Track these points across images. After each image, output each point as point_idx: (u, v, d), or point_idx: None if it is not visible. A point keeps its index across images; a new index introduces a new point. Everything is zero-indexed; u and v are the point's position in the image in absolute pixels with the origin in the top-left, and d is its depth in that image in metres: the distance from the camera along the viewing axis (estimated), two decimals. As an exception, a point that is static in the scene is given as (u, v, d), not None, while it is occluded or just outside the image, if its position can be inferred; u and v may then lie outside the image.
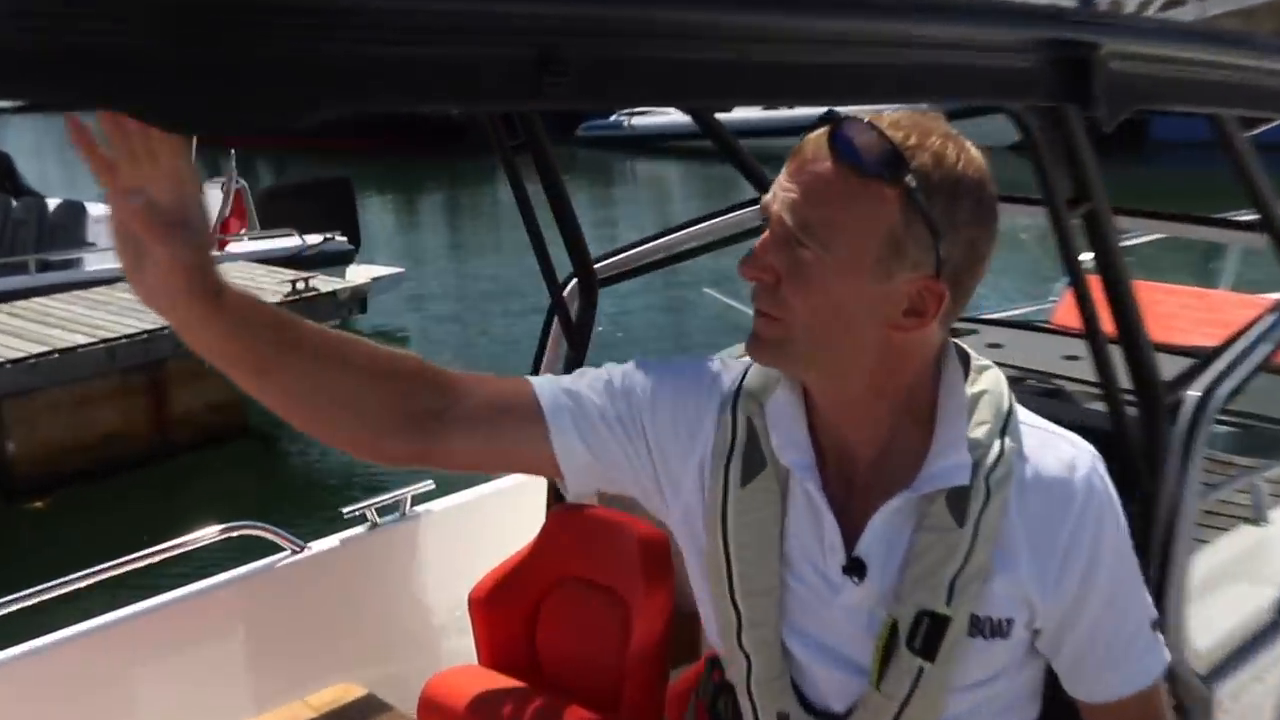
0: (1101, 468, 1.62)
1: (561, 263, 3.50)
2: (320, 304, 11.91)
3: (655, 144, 29.85)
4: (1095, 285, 2.42)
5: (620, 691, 3.07)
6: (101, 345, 10.16)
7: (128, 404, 10.46)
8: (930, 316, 1.53)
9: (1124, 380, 2.44)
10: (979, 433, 1.57)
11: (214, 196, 15.43)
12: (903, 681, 1.57)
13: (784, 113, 22.61)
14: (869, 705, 1.60)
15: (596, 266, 3.57)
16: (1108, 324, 2.44)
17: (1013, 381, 3.62)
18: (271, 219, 15.41)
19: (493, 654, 3.34)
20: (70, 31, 1.15)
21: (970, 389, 1.61)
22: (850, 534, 1.60)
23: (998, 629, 1.57)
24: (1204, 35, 2.69)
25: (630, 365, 1.74)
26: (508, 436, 1.66)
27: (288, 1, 1.25)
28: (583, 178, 26.56)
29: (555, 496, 3.62)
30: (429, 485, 3.72)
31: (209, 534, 3.32)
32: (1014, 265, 15.85)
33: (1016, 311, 6.10)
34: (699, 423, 1.69)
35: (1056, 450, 1.60)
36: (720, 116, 3.61)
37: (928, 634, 1.55)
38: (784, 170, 1.57)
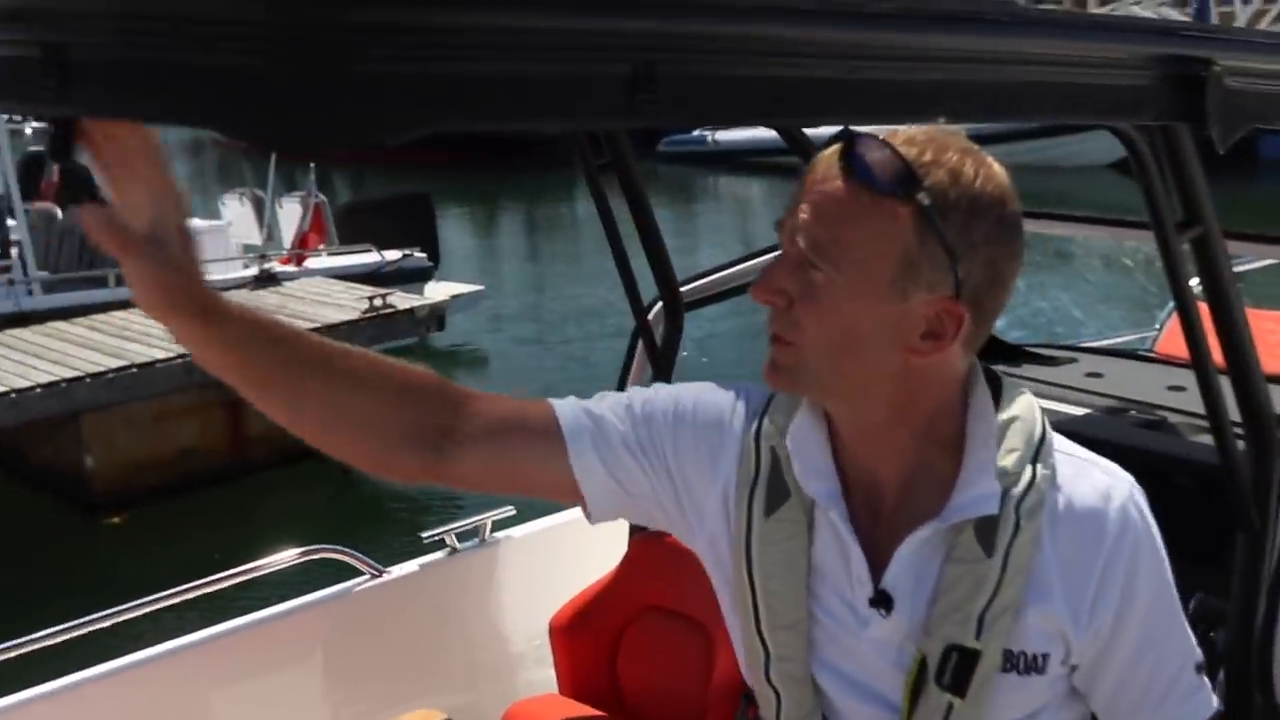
0: (1140, 497, 1.56)
1: (646, 284, 3.45)
2: (398, 321, 11.99)
3: (739, 159, 29.66)
4: (1203, 313, 2.34)
5: (703, 724, 3.01)
6: (179, 360, 10.25)
7: (205, 420, 10.57)
8: (949, 339, 1.48)
9: (1233, 413, 2.35)
10: (1009, 460, 1.51)
11: (293, 211, 15.62)
12: (935, 716, 1.52)
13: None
14: None
15: (682, 289, 3.52)
16: (1216, 353, 2.37)
17: (1114, 413, 3.55)
18: (351, 234, 15.55)
19: (573, 683, 3.30)
20: (174, 49, 1.15)
21: (1001, 415, 1.54)
22: (878, 565, 1.55)
23: (1032, 664, 1.51)
24: None
25: (652, 390, 1.71)
26: (520, 454, 1.64)
27: (380, 20, 1.23)
28: (664, 194, 26.50)
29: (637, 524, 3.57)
30: (510, 511, 3.68)
31: (288, 557, 3.30)
32: (1116, 291, 15.65)
33: (1118, 339, 5.97)
34: (721, 449, 1.65)
35: (1091, 479, 1.54)
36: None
37: (957, 669, 1.49)
38: (797, 189, 1.52)
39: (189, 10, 1.14)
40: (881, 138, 1.47)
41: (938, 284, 1.45)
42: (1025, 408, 1.56)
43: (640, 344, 3.51)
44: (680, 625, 3.21)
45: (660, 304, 3.50)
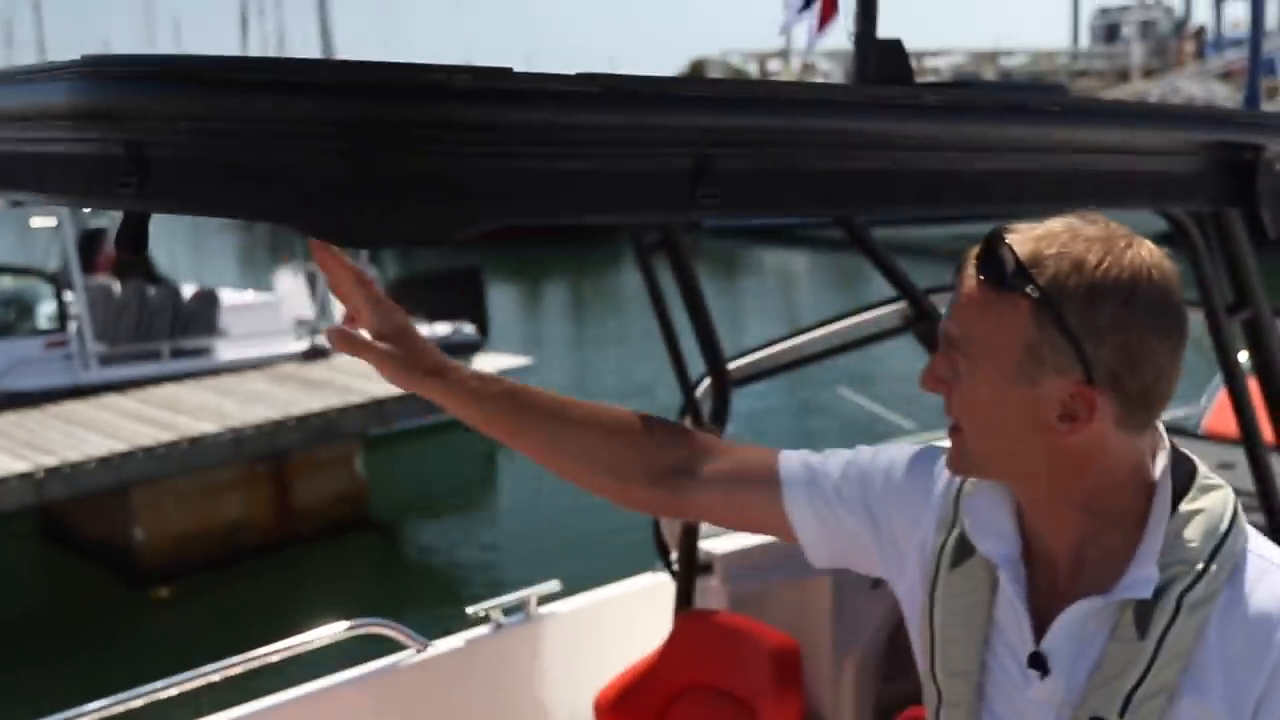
0: None
1: (694, 361, 3.46)
2: (443, 395, 12.02)
3: (783, 233, 29.84)
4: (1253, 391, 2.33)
5: (750, 806, 2.97)
6: (229, 434, 10.35)
7: (252, 493, 10.64)
8: (1085, 421, 1.53)
9: None
10: (1183, 551, 1.54)
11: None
12: None
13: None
14: None
15: (730, 366, 3.52)
16: (1267, 432, 2.34)
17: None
18: (403, 308, 15.72)
19: (618, 762, 3.26)
20: (249, 148, 1.17)
21: (1186, 505, 1.58)
22: (1045, 629, 1.62)
23: None
24: None
25: (871, 449, 1.85)
26: (745, 496, 1.84)
27: (447, 118, 1.26)
28: (709, 268, 26.71)
29: (683, 601, 3.54)
30: (554, 586, 3.66)
31: (335, 631, 3.29)
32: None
33: (1164, 416, 5.89)
34: (925, 506, 1.76)
35: (1273, 582, 1.55)
36: None
37: None
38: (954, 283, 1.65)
39: (263, 111, 1.17)
40: (1019, 229, 1.57)
41: (1066, 369, 1.52)
42: (1214, 501, 1.59)
43: (687, 420, 3.51)
44: (725, 704, 3.18)
45: (707, 380, 3.51)
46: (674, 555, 3.62)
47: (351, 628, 3.30)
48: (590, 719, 3.30)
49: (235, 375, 12.57)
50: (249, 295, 17.18)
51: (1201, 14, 46.39)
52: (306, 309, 16.10)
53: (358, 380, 11.95)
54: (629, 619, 3.75)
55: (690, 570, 3.56)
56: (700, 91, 1.58)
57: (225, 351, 13.89)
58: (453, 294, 16.08)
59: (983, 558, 1.67)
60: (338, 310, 15.36)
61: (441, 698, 3.44)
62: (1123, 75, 36.73)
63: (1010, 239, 1.54)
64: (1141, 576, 1.54)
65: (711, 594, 3.61)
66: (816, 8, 2.27)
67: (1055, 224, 1.57)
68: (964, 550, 1.70)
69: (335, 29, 21.20)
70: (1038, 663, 1.60)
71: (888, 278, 3.84)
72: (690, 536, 3.54)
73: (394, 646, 3.42)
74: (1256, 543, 1.59)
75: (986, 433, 1.59)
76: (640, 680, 3.27)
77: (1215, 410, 5.13)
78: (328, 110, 1.17)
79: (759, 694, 3.07)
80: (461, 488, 12.74)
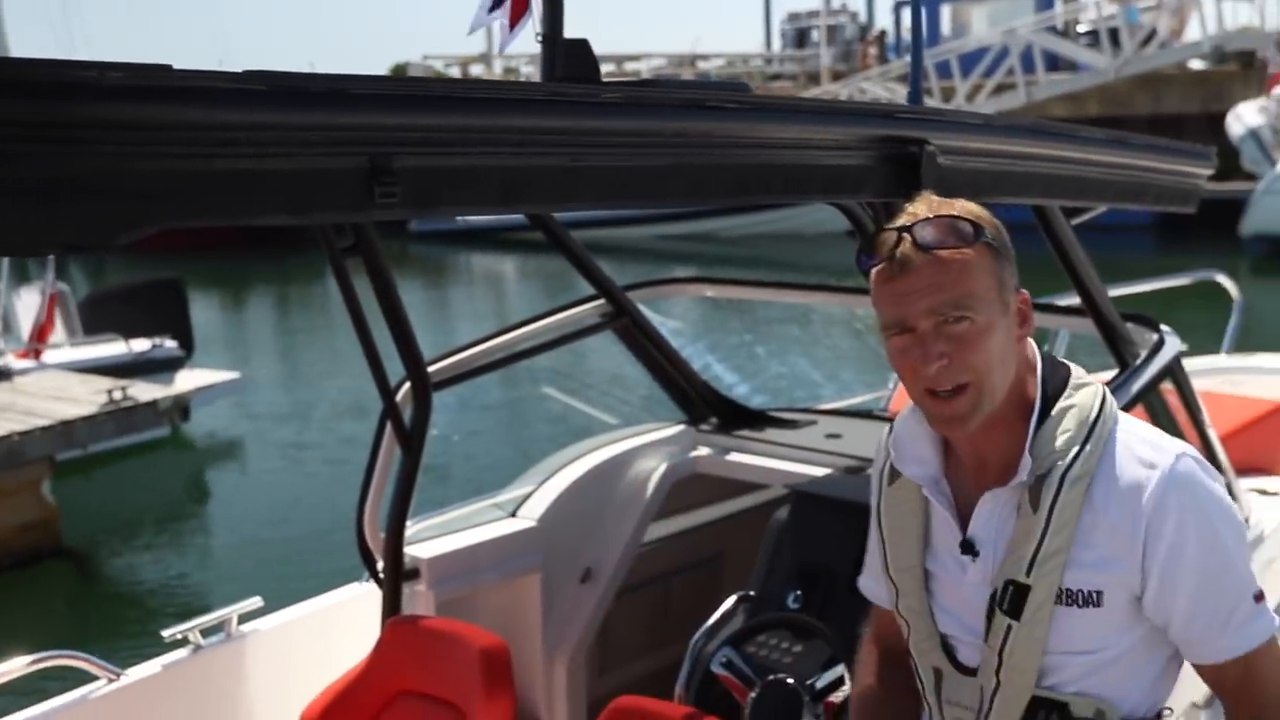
0: (1186, 465, 1.90)
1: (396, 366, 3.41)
2: (139, 414, 11.47)
3: (490, 236, 29.87)
4: None
5: (464, 810, 2.95)
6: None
7: (-74, 523, 9.89)
8: (1031, 321, 1.97)
9: None
10: (1061, 439, 1.92)
11: (32, 302, 14.88)
12: (999, 636, 1.96)
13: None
14: (984, 659, 2.01)
15: (432, 369, 3.49)
16: None
17: (853, 471, 3.66)
18: (99, 324, 14.88)
19: (328, 777, 3.18)
20: None
21: (1063, 401, 1.95)
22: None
23: (1089, 599, 1.91)
24: (1029, 129, 2.76)
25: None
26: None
27: (103, 117, 1.19)
28: (417, 274, 26.47)
29: (391, 608, 3.49)
30: (257, 603, 3.55)
31: (16, 666, 3.09)
32: (852, 354, 16.24)
33: (855, 401, 6.17)
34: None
35: (1137, 452, 1.91)
36: None
37: (1013, 598, 1.93)
38: (880, 289, 1.90)
39: None
40: (923, 204, 1.91)
41: (1014, 286, 1.93)
42: (1085, 397, 1.96)
43: (389, 425, 3.46)
44: (437, 710, 3.15)
45: (407, 385, 3.46)
46: (380, 563, 3.56)
47: (34, 662, 3.11)
48: (298, 736, 3.21)
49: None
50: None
51: (883, 19, 48.69)
52: (-12, 330, 15.12)
53: (43, 402, 11.27)
54: (335, 631, 3.67)
55: (397, 577, 3.51)
56: (376, 90, 1.56)
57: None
58: (152, 308, 15.30)
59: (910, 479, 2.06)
60: (25, 327, 14.56)
61: (138, 728, 3.29)
62: (813, 78, 38.14)
63: (947, 212, 1.88)
64: (1026, 463, 1.91)
65: (419, 600, 3.57)
66: (507, 7, 2.27)
67: (930, 199, 1.93)
68: (894, 473, 2.10)
69: (9, 32, 19.95)
70: (968, 548, 1.99)
71: (585, 276, 3.89)
72: (395, 542, 3.49)
73: (86, 680, 3.25)
74: (1125, 423, 1.97)
75: (999, 367, 1.89)
76: (347, 691, 3.21)
77: (899, 393, 5.40)
78: None
79: (469, 696, 3.05)
80: (164, 509, 12.20)
